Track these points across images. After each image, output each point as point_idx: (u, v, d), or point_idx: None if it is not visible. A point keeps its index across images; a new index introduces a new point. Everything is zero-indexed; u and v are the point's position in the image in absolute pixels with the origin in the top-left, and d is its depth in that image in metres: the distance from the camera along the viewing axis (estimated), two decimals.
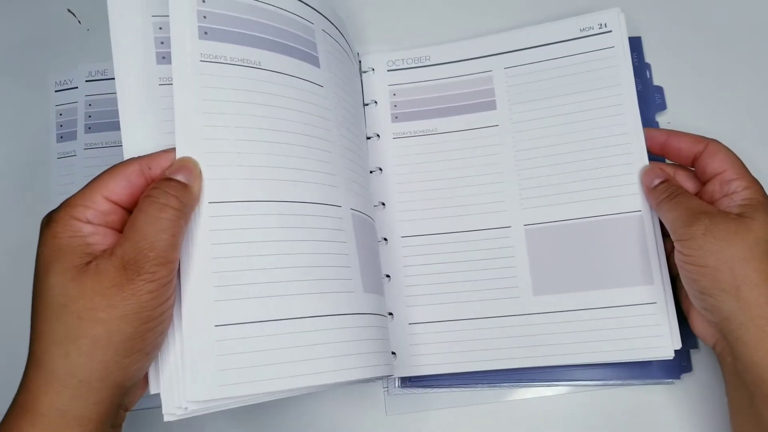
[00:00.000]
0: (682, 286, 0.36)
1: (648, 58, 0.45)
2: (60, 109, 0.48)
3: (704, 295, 0.33)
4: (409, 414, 0.41)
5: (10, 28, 0.50)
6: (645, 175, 0.38)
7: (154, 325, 0.28)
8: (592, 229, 0.39)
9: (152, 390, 0.30)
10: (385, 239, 0.41)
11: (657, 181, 0.37)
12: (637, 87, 0.41)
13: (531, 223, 0.40)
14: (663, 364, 0.39)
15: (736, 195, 0.35)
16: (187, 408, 0.29)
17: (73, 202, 0.29)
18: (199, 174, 0.30)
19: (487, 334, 0.39)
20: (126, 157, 0.31)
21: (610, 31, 0.41)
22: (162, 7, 0.32)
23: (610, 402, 0.40)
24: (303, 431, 0.41)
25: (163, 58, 0.32)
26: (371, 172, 0.42)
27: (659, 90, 0.44)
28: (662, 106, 0.44)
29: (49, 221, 0.29)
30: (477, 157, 0.42)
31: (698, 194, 0.37)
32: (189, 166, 0.30)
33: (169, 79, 0.31)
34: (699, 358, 0.40)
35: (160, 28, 0.33)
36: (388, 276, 0.41)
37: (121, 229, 0.30)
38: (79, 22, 0.50)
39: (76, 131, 0.46)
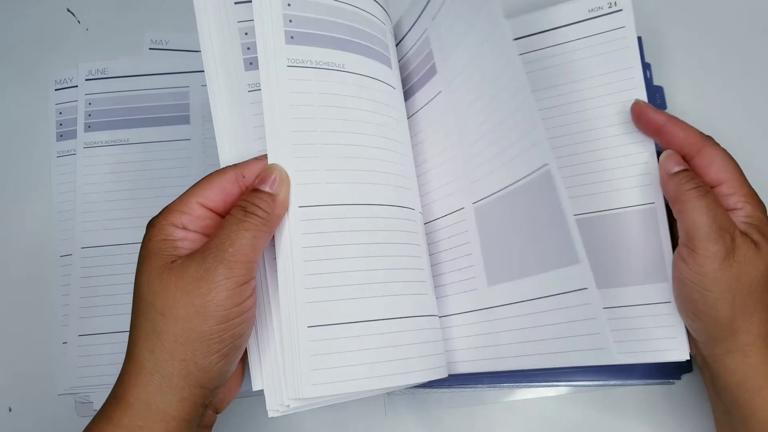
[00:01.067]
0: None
1: (648, 58, 0.45)
2: (60, 108, 0.48)
3: (695, 317, 0.32)
4: (408, 414, 0.41)
5: (10, 27, 0.50)
6: (667, 159, 0.34)
7: (232, 326, 0.28)
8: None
9: (254, 386, 0.31)
10: None
11: (677, 168, 0.33)
12: None
13: (479, 198, 0.35)
14: (663, 364, 0.38)
15: (739, 212, 0.33)
16: (289, 405, 0.30)
17: (172, 207, 0.30)
18: (286, 181, 0.31)
19: (447, 333, 0.36)
20: (222, 164, 0.32)
21: (621, 10, 0.38)
22: (248, 12, 0.32)
23: (610, 402, 0.40)
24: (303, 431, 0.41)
25: (251, 63, 0.33)
26: None
27: (659, 90, 0.44)
28: (662, 106, 0.44)
29: (149, 226, 0.31)
30: (427, 142, 0.38)
31: None
32: (275, 174, 0.31)
33: (258, 85, 0.32)
34: None
35: (246, 34, 0.33)
36: None
37: (211, 233, 0.31)
38: (79, 22, 0.50)
39: (75, 130, 0.46)
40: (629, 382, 0.40)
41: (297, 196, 0.31)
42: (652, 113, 0.35)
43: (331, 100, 0.33)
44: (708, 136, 0.35)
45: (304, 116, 0.32)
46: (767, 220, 0.33)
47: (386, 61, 0.36)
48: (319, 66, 0.33)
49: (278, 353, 0.31)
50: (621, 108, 0.36)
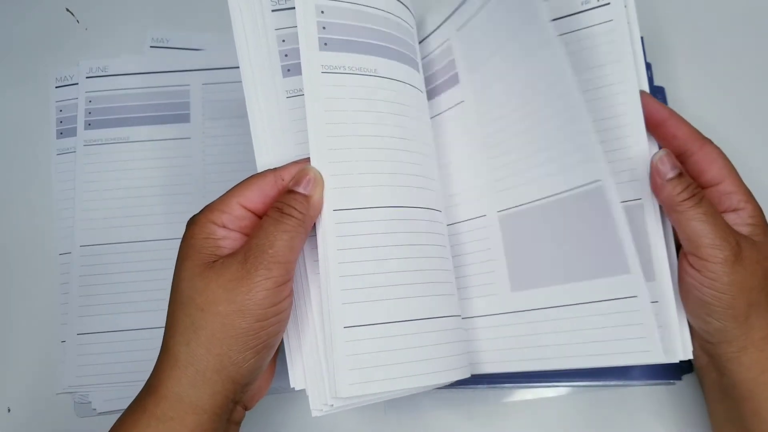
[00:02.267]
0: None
1: (650, 58, 0.45)
2: (60, 105, 0.48)
3: (711, 318, 0.32)
4: (408, 414, 0.41)
5: (10, 27, 0.50)
6: (660, 161, 0.32)
7: (268, 325, 0.30)
8: (562, 206, 0.33)
9: (296, 386, 0.32)
10: None
11: (673, 173, 0.32)
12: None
13: (504, 208, 0.36)
14: (663, 364, 0.39)
15: (742, 212, 0.33)
16: (332, 405, 0.31)
17: (213, 206, 0.31)
18: (320, 183, 0.32)
19: (470, 335, 0.36)
20: (259, 168, 0.33)
21: (608, 3, 0.36)
22: (285, 20, 0.33)
23: (610, 402, 0.40)
24: (301, 431, 0.41)
25: (288, 70, 0.33)
26: None
27: (661, 90, 0.44)
28: None
29: (190, 223, 0.32)
30: (444, 144, 0.38)
31: None
32: (309, 176, 0.32)
33: (296, 91, 0.33)
34: None
35: (283, 41, 0.34)
36: None
37: (250, 233, 0.32)
38: (78, 22, 0.50)
39: (75, 127, 0.46)
40: (629, 382, 0.39)
41: (331, 200, 0.32)
42: (656, 106, 0.35)
43: (363, 105, 0.33)
44: (708, 138, 0.35)
45: (338, 121, 0.33)
46: (764, 219, 0.33)
47: (414, 65, 0.37)
48: (352, 72, 0.33)
49: (320, 353, 0.31)
50: (612, 102, 0.35)
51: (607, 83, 0.36)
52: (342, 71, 0.33)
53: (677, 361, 0.33)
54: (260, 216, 0.32)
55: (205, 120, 0.47)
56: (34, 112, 0.48)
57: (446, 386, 0.40)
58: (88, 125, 0.46)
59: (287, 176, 0.32)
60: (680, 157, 0.34)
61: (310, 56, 0.32)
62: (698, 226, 0.31)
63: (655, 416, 0.40)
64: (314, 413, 0.32)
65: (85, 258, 0.44)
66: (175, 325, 0.30)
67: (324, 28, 0.33)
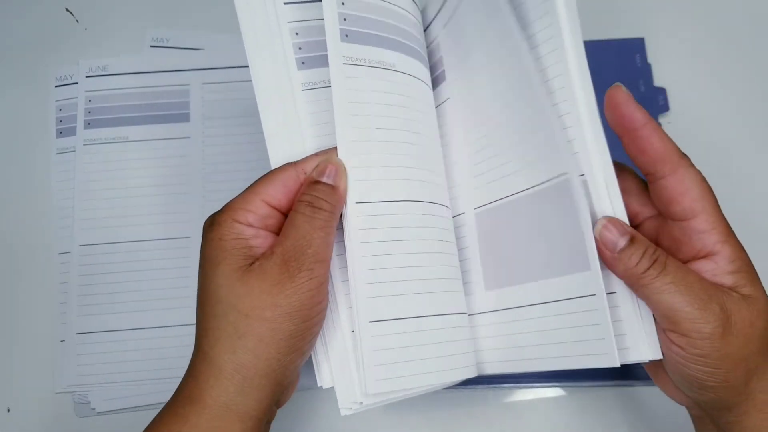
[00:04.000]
0: None
1: (650, 59, 0.45)
2: (60, 105, 0.48)
3: (705, 392, 0.28)
4: (408, 414, 0.41)
5: (10, 26, 0.50)
6: (603, 230, 0.27)
7: (313, 324, 0.29)
8: (533, 201, 0.31)
9: (323, 384, 0.31)
10: None
11: (624, 241, 0.27)
12: (639, 88, 0.40)
13: (480, 205, 0.34)
14: None
15: (719, 258, 0.27)
16: (362, 402, 0.31)
17: (235, 205, 0.30)
18: (345, 173, 0.31)
19: (444, 336, 0.33)
20: (272, 164, 0.32)
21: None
22: (296, 13, 0.33)
23: (610, 402, 0.40)
24: (300, 430, 0.41)
25: (303, 63, 0.33)
26: None
27: (662, 91, 0.44)
28: (665, 108, 0.44)
29: (212, 224, 0.30)
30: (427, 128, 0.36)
31: (643, 222, 0.30)
32: (334, 166, 0.31)
33: (313, 84, 0.33)
34: None
35: (297, 34, 0.33)
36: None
37: (277, 232, 0.31)
38: (77, 22, 0.50)
39: (75, 127, 0.46)
40: (629, 382, 0.40)
41: (354, 192, 0.31)
42: (634, 108, 0.28)
43: (384, 98, 0.33)
44: (685, 156, 0.28)
45: (358, 113, 0.32)
46: (749, 261, 0.28)
47: (424, 61, 0.37)
48: (372, 65, 0.33)
49: (348, 350, 0.31)
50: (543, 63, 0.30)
51: (547, 40, 0.29)
52: (363, 64, 0.33)
53: (638, 361, 0.28)
54: (284, 212, 0.31)
55: (204, 119, 0.47)
56: (33, 112, 0.48)
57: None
58: (88, 124, 0.46)
59: (309, 168, 0.31)
60: (648, 177, 0.29)
61: (334, 46, 0.32)
62: (669, 299, 0.26)
63: (655, 416, 0.40)
64: (343, 412, 0.31)
65: (84, 257, 0.44)
66: (216, 332, 0.29)
67: (345, 19, 0.32)
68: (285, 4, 0.33)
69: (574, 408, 0.40)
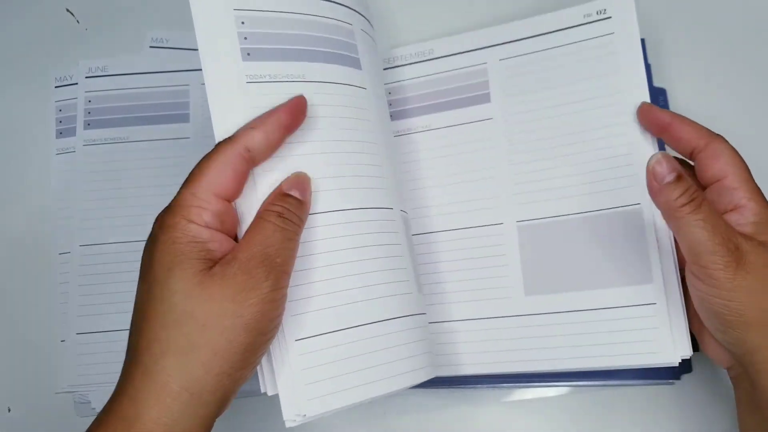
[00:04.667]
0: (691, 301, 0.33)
1: (650, 60, 0.45)
2: (59, 105, 0.48)
3: (728, 328, 0.30)
4: (408, 414, 0.41)
5: (10, 27, 0.50)
6: (656, 164, 0.30)
7: (268, 338, 0.28)
8: (589, 224, 0.37)
9: (266, 391, 0.30)
10: None
11: (671, 177, 0.30)
12: None
13: (524, 219, 0.39)
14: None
15: (744, 210, 0.31)
16: (305, 415, 0.30)
17: (187, 203, 0.28)
18: (310, 187, 0.31)
19: (478, 336, 0.38)
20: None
21: (610, 17, 0.39)
22: (243, 0, 0.33)
23: (610, 402, 0.40)
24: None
25: (249, 54, 0.32)
26: None
27: (662, 92, 0.44)
28: (665, 108, 0.44)
29: (163, 225, 0.28)
30: (470, 152, 0.41)
31: None
32: (303, 181, 0.31)
33: (257, 77, 0.32)
34: (699, 359, 0.40)
35: (243, 23, 0.33)
36: None
37: (232, 233, 0.30)
38: (78, 22, 0.50)
39: (75, 127, 0.46)
40: (629, 382, 0.40)
41: None
42: (658, 112, 0.35)
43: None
44: (718, 135, 0.34)
45: None
46: None
47: (354, 63, 0.36)
48: (276, 80, 0.33)
49: (289, 362, 0.30)
50: (612, 111, 0.38)
51: (608, 93, 0.38)
52: (267, 80, 0.32)
53: (679, 359, 0.35)
54: (231, 200, 0.30)
55: (204, 120, 0.46)
56: (33, 112, 0.48)
57: (445, 386, 0.40)
58: (88, 125, 0.46)
59: (250, 143, 0.29)
60: (691, 157, 0.34)
61: (235, 67, 0.32)
62: (697, 233, 0.29)
63: (655, 416, 0.40)
64: (288, 424, 0.30)
65: (84, 257, 0.44)
66: (163, 345, 0.26)
67: (246, 38, 0.32)
68: None
69: (574, 408, 0.40)
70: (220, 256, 0.28)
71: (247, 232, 0.29)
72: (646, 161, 0.31)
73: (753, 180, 0.32)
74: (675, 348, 0.35)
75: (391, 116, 0.42)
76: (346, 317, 0.31)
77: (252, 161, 0.30)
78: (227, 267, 0.27)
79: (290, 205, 0.29)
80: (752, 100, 0.45)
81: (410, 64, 0.43)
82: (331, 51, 0.35)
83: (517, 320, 0.37)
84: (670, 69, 0.45)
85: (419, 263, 0.39)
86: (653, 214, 0.36)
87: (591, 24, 0.39)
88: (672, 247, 0.36)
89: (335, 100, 0.34)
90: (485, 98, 0.41)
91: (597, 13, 0.39)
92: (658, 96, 0.44)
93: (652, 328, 0.35)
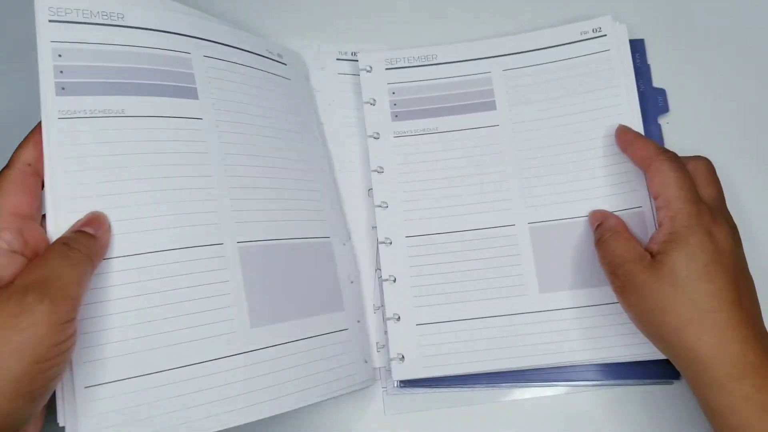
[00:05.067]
0: None
1: (650, 60, 0.45)
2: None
3: (648, 337, 0.34)
4: (407, 414, 0.41)
5: (10, 27, 0.50)
6: (591, 216, 0.39)
7: (47, 367, 0.26)
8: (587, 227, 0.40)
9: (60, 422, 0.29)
10: (388, 240, 0.41)
11: (596, 224, 0.38)
12: (639, 89, 0.41)
13: (535, 221, 0.40)
14: (662, 364, 0.39)
15: (661, 229, 0.34)
16: None
17: None
18: (108, 227, 0.31)
19: (495, 333, 0.39)
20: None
21: (605, 35, 0.42)
22: (62, 32, 0.32)
23: (609, 402, 0.40)
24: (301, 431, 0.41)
25: (63, 89, 0.32)
26: (375, 171, 0.42)
27: (662, 92, 0.44)
28: (664, 109, 0.44)
29: None
30: (479, 156, 0.42)
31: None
32: (98, 218, 0.31)
33: (70, 113, 0.31)
34: None
35: (60, 56, 0.32)
36: (393, 277, 0.40)
37: (39, 250, 0.29)
38: None
39: None
40: (627, 381, 0.40)
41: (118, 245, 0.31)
42: (626, 132, 0.39)
43: (109, 149, 0.32)
44: (666, 154, 0.35)
45: (83, 168, 0.31)
46: (686, 235, 0.32)
47: (186, 93, 0.35)
48: (92, 115, 0.32)
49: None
50: (609, 123, 0.41)
51: (602, 106, 0.41)
52: (81, 116, 0.32)
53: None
54: (31, 216, 0.29)
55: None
56: (33, 112, 0.48)
57: (446, 386, 0.40)
58: None
59: (31, 159, 0.30)
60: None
61: (49, 102, 0.31)
62: (601, 263, 0.36)
63: (653, 416, 0.40)
64: None
65: None
66: None
67: (62, 72, 0.31)
68: (50, 21, 0.32)
69: (572, 407, 0.40)
70: (8, 279, 0.27)
71: (36, 258, 0.28)
72: (644, 176, 0.37)
73: (680, 197, 0.33)
74: None
75: (396, 116, 0.43)
76: (143, 363, 0.31)
77: (37, 173, 0.30)
78: (2, 292, 0.26)
79: (80, 237, 0.29)
80: (751, 100, 0.45)
81: (414, 66, 0.44)
82: (157, 83, 0.34)
83: (532, 317, 0.39)
84: (669, 69, 0.45)
85: (426, 263, 0.40)
86: (654, 216, 0.38)
87: (588, 41, 0.42)
88: None
89: (158, 135, 0.33)
90: (491, 105, 0.43)
91: (593, 30, 0.42)
92: (658, 96, 0.44)
93: None
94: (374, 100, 0.43)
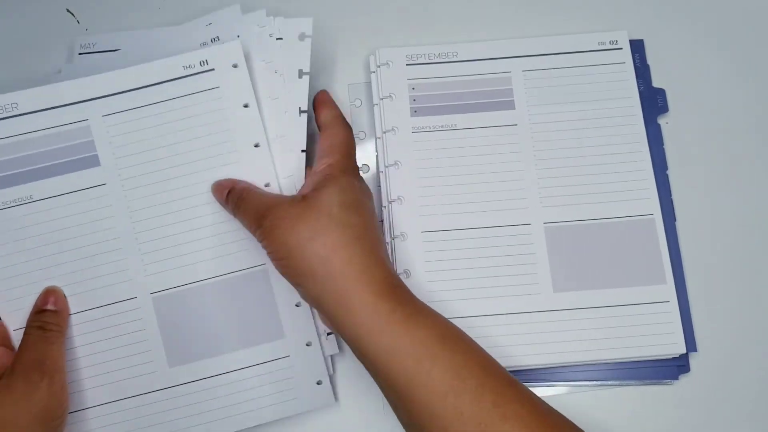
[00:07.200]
0: None
1: (650, 60, 0.45)
2: None
3: (296, 285, 0.34)
4: None
5: (10, 27, 0.50)
6: (215, 191, 0.39)
7: (60, 422, 0.35)
8: (609, 229, 0.41)
9: None
10: (403, 234, 0.41)
11: (225, 193, 0.38)
12: (639, 89, 0.41)
13: (550, 221, 0.41)
14: (661, 364, 0.39)
15: (316, 174, 0.36)
16: None
17: None
18: (63, 296, 0.38)
19: (508, 330, 0.40)
20: None
21: (621, 48, 0.44)
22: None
23: (610, 402, 0.40)
24: (300, 430, 0.41)
25: None
26: (388, 166, 0.42)
27: (661, 92, 0.44)
28: (664, 109, 0.44)
29: None
30: (496, 154, 0.42)
31: None
32: (54, 294, 0.38)
33: None
34: (697, 359, 0.40)
35: None
36: (408, 272, 0.41)
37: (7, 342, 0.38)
38: (78, 22, 0.50)
39: None
40: (627, 382, 0.40)
41: None
42: (322, 94, 0.41)
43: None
44: (344, 119, 0.39)
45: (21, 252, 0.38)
46: (340, 173, 0.36)
47: (87, 163, 0.39)
48: (6, 206, 0.38)
49: None
50: (616, 132, 0.42)
51: (611, 115, 0.43)
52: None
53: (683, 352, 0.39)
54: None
55: None
56: None
57: None
58: None
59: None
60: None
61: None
62: (245, 219, 0.36)
63: (653, 416, 0.40)
64: None
65: None
66: None
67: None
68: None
69: (572, 407, 0.40)
70: (1, 369, 0.35)
71: (19, 347, 0.36)
72: (653, 177, 0.42)
73: (345, 153, 0.37)
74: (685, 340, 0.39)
75: (415, 111, 0.43)
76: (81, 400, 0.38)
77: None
78: (8, 379, 0.34)
79: (47, 317, 0.37)
80: (750, 100, 0.45)
81: (434, 63, 0.44)
82: (57, 162, 0.39)
83: (545, 315, 0.40)
84: (669, 69, 0.45)
85: (441, 259, 0.41)
86: (664, 223, 0.41)
87: (604, 51, 0.44)
88: (679, 253, 0.41)
89: (66, 212, 0.38)
90: (510, 105, 0.43)
91: (610, 42, 0.44)
92: (657, 96, 0.44)
93: (667, 322, 0.39)
94: (392, 95, 0.43)
